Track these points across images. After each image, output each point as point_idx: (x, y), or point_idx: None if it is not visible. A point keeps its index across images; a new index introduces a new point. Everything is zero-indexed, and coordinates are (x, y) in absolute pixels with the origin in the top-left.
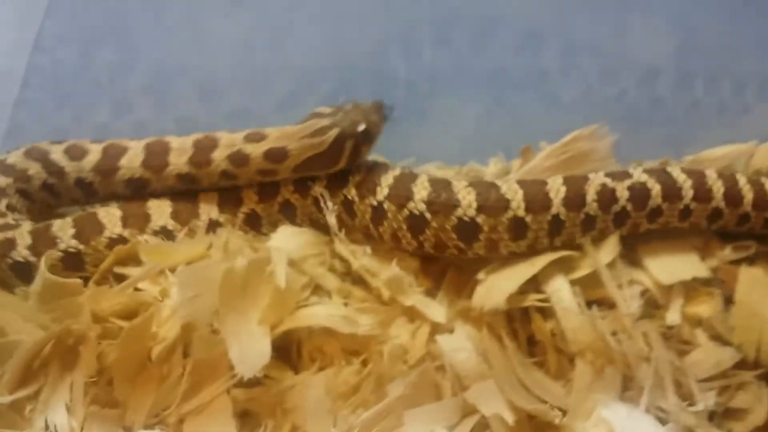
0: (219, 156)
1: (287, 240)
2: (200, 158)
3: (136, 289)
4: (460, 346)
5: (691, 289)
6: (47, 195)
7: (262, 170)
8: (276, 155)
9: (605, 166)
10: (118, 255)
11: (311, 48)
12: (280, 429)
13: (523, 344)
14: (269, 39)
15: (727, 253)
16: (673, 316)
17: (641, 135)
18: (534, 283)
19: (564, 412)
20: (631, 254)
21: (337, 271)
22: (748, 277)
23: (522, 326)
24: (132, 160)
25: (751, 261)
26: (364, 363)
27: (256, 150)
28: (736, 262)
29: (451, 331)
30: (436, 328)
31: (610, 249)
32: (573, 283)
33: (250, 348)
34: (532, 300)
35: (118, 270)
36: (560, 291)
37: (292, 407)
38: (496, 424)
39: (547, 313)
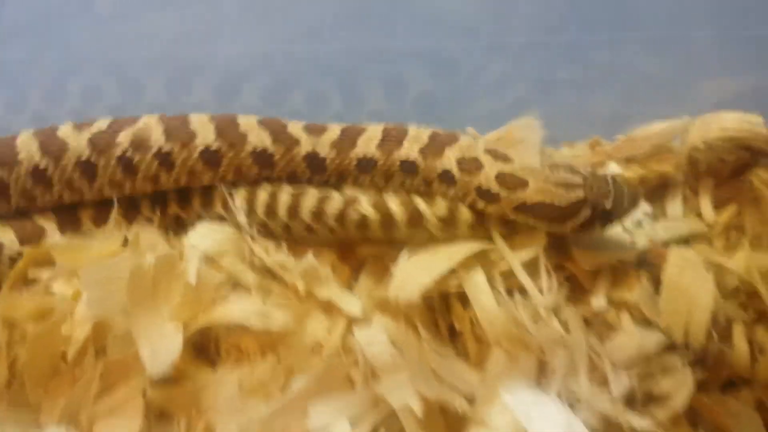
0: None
1: (205, 236)
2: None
3: (50, 293)
4: (375, 338)
5: (619, 272)
6: None
7: (486, 191)
8: (513, 183)
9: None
10: (30, 258)
11: (241, 40)
12: (194, 428)
13: (444, 334)
14: (198, 32)
15: (660, 233)
16: (598, 301)
17: (580, 113)
18: (453, 273)
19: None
20: (560, 241)
21: (257, 268)
22: (677, 259)
23: (442, 316)
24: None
25: (685, 241)
26: (280, 359)
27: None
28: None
29: (369, 323)
30: (353, 321)
31: (535, 238)
32: (496, 273)
33: (160, 346)
34: (448, 288)
35: (33, 274)
36: (476, 280)
37: (206, 405)
38: (405, 415)
39: (467, 302)
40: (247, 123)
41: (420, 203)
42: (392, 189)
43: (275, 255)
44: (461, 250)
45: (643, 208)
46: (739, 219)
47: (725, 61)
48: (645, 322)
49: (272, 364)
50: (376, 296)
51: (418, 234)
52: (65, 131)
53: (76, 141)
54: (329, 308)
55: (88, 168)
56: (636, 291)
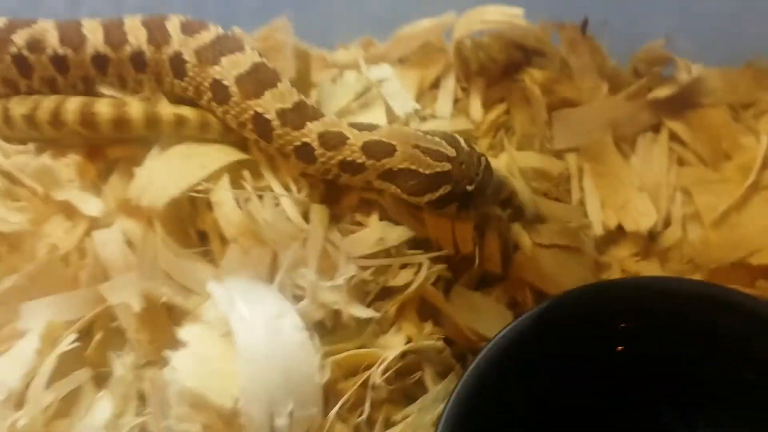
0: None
1: None
2: None
3: None
4: (111, 239)
5: None
6: None
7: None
8: (377, 150)
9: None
10: None
11: None
12: None
13: (193, 237)
14: None
15: None
16: (349, 199)
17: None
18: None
19: None
20: None
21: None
22: None
23: (191, 217)
24: None
25: None
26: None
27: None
28: None
29: (109, 225)
30: (94, 224)
31: None
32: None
33: None
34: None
35: None
36: (220, 184)
37: None
38: (122, 312)
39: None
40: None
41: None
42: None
43: (17, 157)
44: (214, 160)
45: (412, 105)
46: (509, 118)
47: None
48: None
49: (10, 266)
50: (121, 199)
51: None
52: None
53: None
54: (70, 211)
55: None
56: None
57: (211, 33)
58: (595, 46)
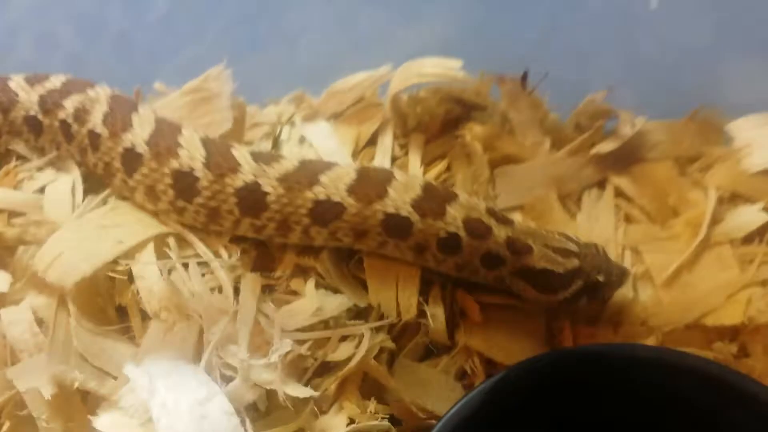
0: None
1: None
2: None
3: None
4: (20, 318)
5: None
6: None
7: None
8: (516, 247)
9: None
10: None
11: None
12: None
13: (111, 313)
14: None
15: None
16: (284, 268)
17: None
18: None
19: None
20: None
21: None
22: None
23: (108, 292)
24: None
25: None
26: None
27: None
28: None
29: (18, 302)
30: (1, 300)
31: None
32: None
33: None
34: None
35: None
36: (143, 257)
37: None
38: (31, 398)
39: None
40: None
41: None
42: None
43: None
44: (132, 234)
45: (349, 163)
46: (450, 176)
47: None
48: (329, 287)
49: None
50: (30, 272)
51: None
52: None
53: None
54: None
55: None
56: (323, 258)
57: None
58: (536, 101)
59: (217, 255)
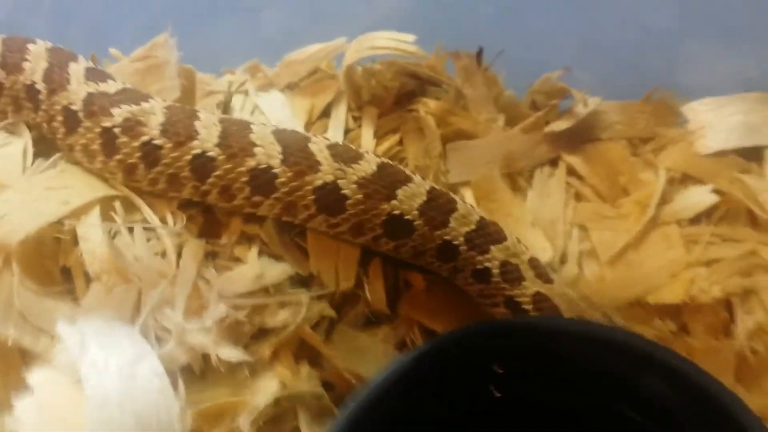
0: None
1: None
2: None
3: None
4: None
5: None
6: None
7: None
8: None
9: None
10: None
11: None
12: None
13: (55, 274)
14: None
15: None
16: (228, 235)
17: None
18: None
19: None
20: None
21: None
22: None
23: (54, 253)
24: None
25: None
26: None
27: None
28: None
29: None
30: None
31: None
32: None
33: None
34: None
35: None
36: (88, 220)
37: None
38: None
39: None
40: None
41: None
42: None
43: None
44: (79, 195)
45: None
46: (402, 150)
47: None
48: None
49: None
50: None
51: None
52: None
53: None
54: None
55: None
56: (267, 225)
57: None
58: (491, 77)
59: (163, 221)
